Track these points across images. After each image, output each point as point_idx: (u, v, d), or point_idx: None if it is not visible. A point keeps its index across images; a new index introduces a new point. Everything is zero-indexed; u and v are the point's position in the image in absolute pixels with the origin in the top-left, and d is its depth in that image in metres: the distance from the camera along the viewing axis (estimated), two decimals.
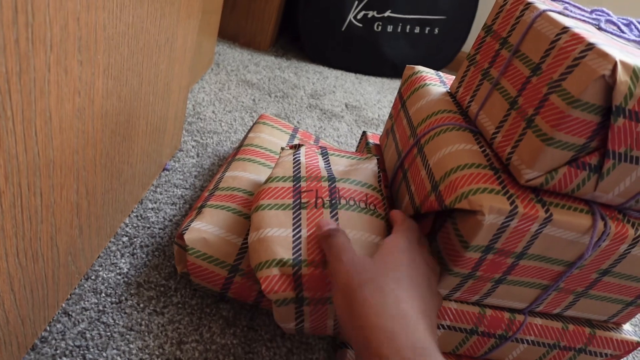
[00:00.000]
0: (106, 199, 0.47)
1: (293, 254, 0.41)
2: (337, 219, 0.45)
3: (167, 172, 0.64)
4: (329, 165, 0.51)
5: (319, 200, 0.45)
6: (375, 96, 1.08)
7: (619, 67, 0.36)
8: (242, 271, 0.48)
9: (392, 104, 1.08)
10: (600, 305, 0.51)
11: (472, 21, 1.23)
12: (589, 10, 0.49)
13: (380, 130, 0.93)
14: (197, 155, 0.69)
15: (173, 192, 0.61)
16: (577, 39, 0.39)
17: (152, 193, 0.59)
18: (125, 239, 0.52)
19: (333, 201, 0.46)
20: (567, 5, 0.48)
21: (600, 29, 0.44)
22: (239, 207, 0.52)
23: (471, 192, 0.42)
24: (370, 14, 1.07)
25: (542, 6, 0.45)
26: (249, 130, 0.66)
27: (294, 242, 0.42)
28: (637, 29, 0.45)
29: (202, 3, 0.73)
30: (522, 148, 0.42)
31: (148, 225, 0.54)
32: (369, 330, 0.33)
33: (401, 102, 0.63)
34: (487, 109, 0.49)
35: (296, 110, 0.91)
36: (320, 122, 0.89)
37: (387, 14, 1.09)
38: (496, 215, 0.41)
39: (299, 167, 0.49)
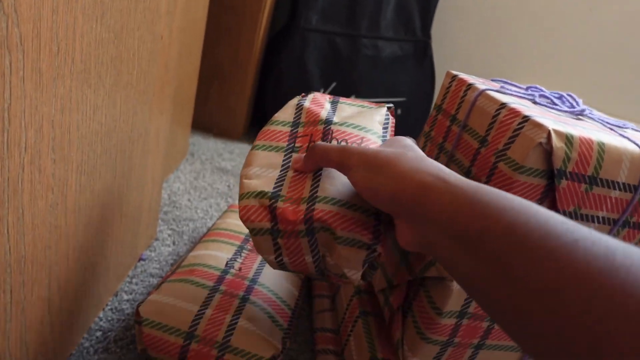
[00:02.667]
0: (79, 294, 0.46)
1: (273, 188, 0.41)
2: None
3: (143, 262, 0.64)
4: (334, 112, 0.49)
5: (311, 144, 0.44)
6: None
7: (553, 134, 0.39)
8: (197, 337, 0.47)
9: None
10: None
11: (431, 101, 1.32)
12: (525, 87, 0.54)
13: None
14: (174, 244, 0.69)
15: (149, 281, 0.60)
16: (514, 112, 0.43)
17: (127, 284, 0.59)
18: (99, 333, 0.51)
19: (324, 141, 0.45)
20: (503, 84, 0.53)
21: (535, 102, 0.49)
22: (199, 279, 0.52)
23: None
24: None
25: (481, 86, 0.50)
26: (217, 219, 0.68)
27: (277, 179, 0.42)
28: (568, 101, 0.50)
29: (174, 98, 0.78)
30: None
31: (123, 318, 0.54)
32: (400, 179, 0.32)
33: None
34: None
35: None
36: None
37: (352, 98, 1.17)
38: None
39: (300, 113, 0.48)
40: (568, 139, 0.40)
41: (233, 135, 1.16)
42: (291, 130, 0.47)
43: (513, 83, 0.55)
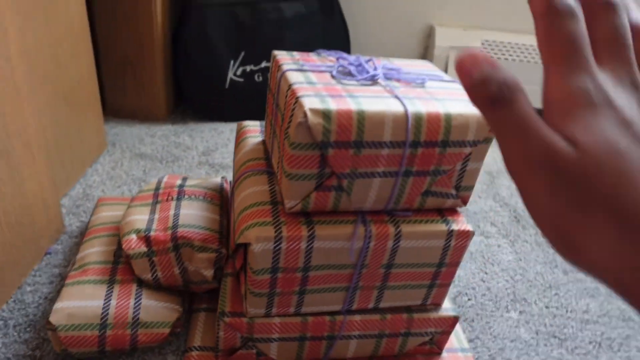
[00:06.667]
0: None
1: (146, 225, 0.63)
2: (180, 207, 0.67)
3: (50, 256, 0.73)
4: (185, 182, 0.76)
5: (169, 197, 0.70)
6: None
7: (309, 113, 0.46)
8: (110, 325, 0.57)
9: None
10: (405, 293, 0.60)
11: (349, 52, 1.35)
12: (336, 57, 0.60)
13: None
14: (81, 234, 0.78)
15: (52, 272, 0.70)
16: (293, 93, 0.50)
17: (32, 277, 0.68)
18: (0, 323, 0.61)
19: (179, 196, 0.70)
20: (318, 56, 0.59)
21: (333, 76, 0.55)
22: (93, 277, 0.61)
23: (246, 228, 0.51)
24: (249, 68, 1.19)
25: (285, 67, 0.55)
26: (91, 216, 0.76)
27: (148, 219, 0.65)
28: (365, 70, 0.56)
29: (72, 100, 0.83)
30: (280, 183, 0.52)
31: (23, 307, 0.63)
32: None
33: (234, 153, 0.74)
34: (273, 154, 0.59)
35: (185, 170, 1.01)
36: (208, 176, 1.00)
37: (264, 64, 1.22)
38: (265, 243, 0.50)
39: (161, 183, 0.75)
40: (325, 115, 0.46)
41: (159, 117, 1.22)
42: (154, 193, 0.72)
43: (334, 54, 0.60)
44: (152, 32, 1.09)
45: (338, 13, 1.28)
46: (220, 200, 0.72)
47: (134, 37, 1.10)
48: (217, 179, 0.78)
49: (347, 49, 1.34)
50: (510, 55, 1.45)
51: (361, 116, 0.48)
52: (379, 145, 0.49)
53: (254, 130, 0.72)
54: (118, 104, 1.20)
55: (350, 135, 0.48)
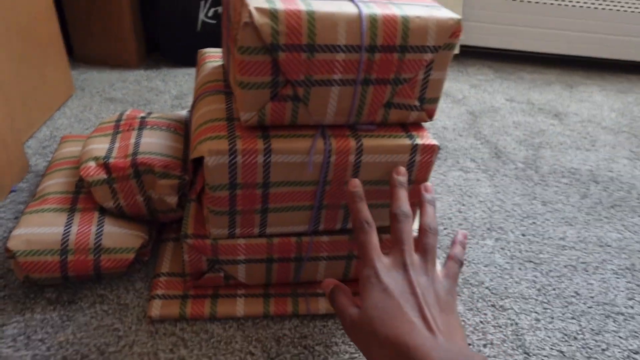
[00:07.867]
0: None
1: (105, 153, 0.61)
2: (141, 136, 0.65)
3: (14, 194, 0.71)
4: (148, 115, 0.72)
5: (131, 127, 0.67)
6: None
7: (254, 12, 0.43)
8: (72, 250, 0.56)
9: None
10: (373, 213, 0.59)
11: None
12: None
13: None
14: None
15: (17, 208, 0.68)
16: None
17: None
18: None
19: (141, 126, 0.67)
20: None
21: None
22: (53, 205, 0.60)
23: (199, 142, 0.50)
24: (220, 8, 1.15)
25: None
26: (54, 152, 0.74)
27: (108, 148, 0.62)
28: None
29: (32, 43, 0.80)
30: (235, 97, 0.50)
31: None
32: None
33: (195, 79, 0.71)
34: (229, 71, 0.57)
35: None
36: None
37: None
38: (218, 156, 0.48)
39: (122, 115, 0.71)
40: (272, 14, 0.44)
41: (130, 63, 1.18)
42: (115, 124, 0.69)
43: None
44: None
45: None
46: (185, 131, 0.70)
47: None
48: (183, 112, 0.76)
49: None
50: None
51: (311, 17, 0.45)
52: (333, 48, 0.47)
53: (215, 55, 0.70)
54: (86, 50, 1.16)
55: (302, 38, 0.45)
